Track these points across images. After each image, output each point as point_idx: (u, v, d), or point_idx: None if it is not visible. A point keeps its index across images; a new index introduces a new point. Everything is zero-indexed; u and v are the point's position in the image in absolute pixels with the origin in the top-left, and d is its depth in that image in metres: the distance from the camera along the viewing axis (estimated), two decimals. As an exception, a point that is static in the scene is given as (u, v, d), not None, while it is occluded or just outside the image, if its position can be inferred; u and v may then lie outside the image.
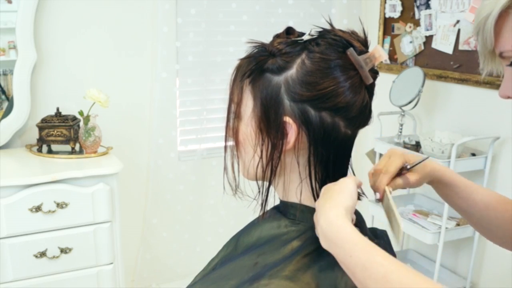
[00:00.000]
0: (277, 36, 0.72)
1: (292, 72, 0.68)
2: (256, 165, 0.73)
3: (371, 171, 0.83)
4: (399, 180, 0.83)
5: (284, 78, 0.68)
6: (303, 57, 0.68)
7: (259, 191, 0.75)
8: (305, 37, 0.69)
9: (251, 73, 0.70)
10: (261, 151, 0.71)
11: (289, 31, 0.72)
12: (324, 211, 0.64)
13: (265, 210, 0.76)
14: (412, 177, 0.84)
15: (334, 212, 0.63)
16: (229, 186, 0.77)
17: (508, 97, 0.75)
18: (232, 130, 0.75)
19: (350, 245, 0.60)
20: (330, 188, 0.68)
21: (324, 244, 0.64)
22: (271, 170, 0.71)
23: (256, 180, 0.75)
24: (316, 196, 0.72)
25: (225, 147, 0.77)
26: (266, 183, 0.74)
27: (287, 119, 0.68)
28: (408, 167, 0.84)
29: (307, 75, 0.67)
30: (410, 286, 0.56)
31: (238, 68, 0.73)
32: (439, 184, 0.88)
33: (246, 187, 0.78)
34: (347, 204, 0.65)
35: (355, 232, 0.62)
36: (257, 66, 0.69)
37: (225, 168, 0.76)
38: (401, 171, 0.84)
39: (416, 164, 0.84)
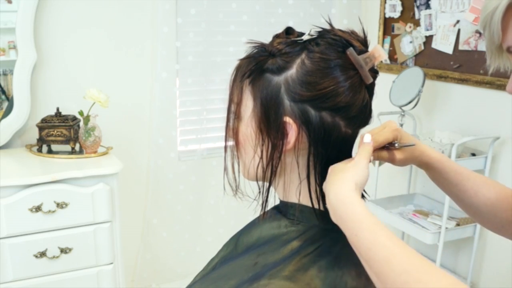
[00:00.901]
0: (276, 36, 0.72)
1: (292, 72, 0.68)
2: (257, 165, 0.73)
3: (362, 134, 0.82)
4: (384, 153, 0.81)
5: (284, 78, 0.68)
6: (303, 57, 0.68)
7: (260, 192, 0.75)
8: (305, 37, 0.69)
9: (251, 73, 0.70)
10: (261, 152, 0.71)
11: (289, 31, 0.72)
12: (334, 184, 0.64)
13: (265, 210, 0.76)
14: (398, 155, 0.81)
15: (344, 186, 0.63)
16: (229, 186, 0.77)
17: None
18: (232, 131, 0.75)
19: (356, 224, 0.60)
20: (340, 165, 0.67)
21: (333, 218, 0.64)
22: (271, 170, 0.71)
23: (257, 180, 0.75)
24: (316, 196, 0.72)
25: (225, 147, 0.76)
26: (266, 183, 0.74)
27: (287, 119, 0.68)
28: (397, 145, 0.81)
29: (307, 75, 0.67)
30: (412, 270, 0.55)
31: (238, 69, 0.73)
32: (428, 169, 0.86)
33: (246, 188, 0.78)
34: (358, 179, 0.64)
35: (363, 209, 0.61)
36: (257, 66, 0.69)
37: (225, 169, 0.76)
38: (390, 146, 0.81)
39: (405, 146, 0.82)
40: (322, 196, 0.72)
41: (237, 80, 0.72)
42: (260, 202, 0.75)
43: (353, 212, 0.61)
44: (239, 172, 0.77)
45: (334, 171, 0.68)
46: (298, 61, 0.68)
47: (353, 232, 0.60)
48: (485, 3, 0.66)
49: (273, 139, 0.70)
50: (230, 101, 0.74)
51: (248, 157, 0.74)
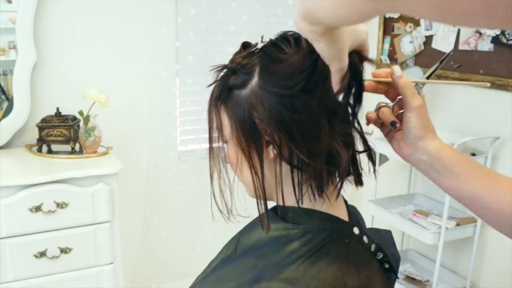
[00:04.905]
0: (235, 54, 0.72)
1: (255, 80, 0.68)
2: (252, 180, 0.72)
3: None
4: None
5: (249, 88, 0.68)
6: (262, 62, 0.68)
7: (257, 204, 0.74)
8: (259, 45, 0.70)
9: (220, 95, 0.71)
10: (252, 165, 0.71)
11: (245, 45, 0.72)
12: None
13: (266, 213, 0.75)
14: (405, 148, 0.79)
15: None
16: (224, 208, 0.77)
17: None
18: (225, 158, 0.76)
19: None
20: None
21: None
22: (262, 181, 0.71)
23: (257, 198, 0.73)
24: (317, 195, 0.72)
25: (211, 176, 0.77)
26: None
27: (264, 124, 0.68)
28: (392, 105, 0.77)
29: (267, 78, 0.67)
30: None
31: (211, 96, 0.74)
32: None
33: (239, 197, 0.78)
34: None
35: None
36: (223, 87, 0.71)
37: (213, 195, 0.77)
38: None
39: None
40: (319, 196, 0.72)
41: (212, 107, 0.73)
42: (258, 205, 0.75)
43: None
44: (231, 195, 0.77)
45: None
46: (257, 68, 0.68)
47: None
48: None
49: (258, 149, 0.69)
50: (216, 129, 0.75)
51: (245, 175, 0.74)
